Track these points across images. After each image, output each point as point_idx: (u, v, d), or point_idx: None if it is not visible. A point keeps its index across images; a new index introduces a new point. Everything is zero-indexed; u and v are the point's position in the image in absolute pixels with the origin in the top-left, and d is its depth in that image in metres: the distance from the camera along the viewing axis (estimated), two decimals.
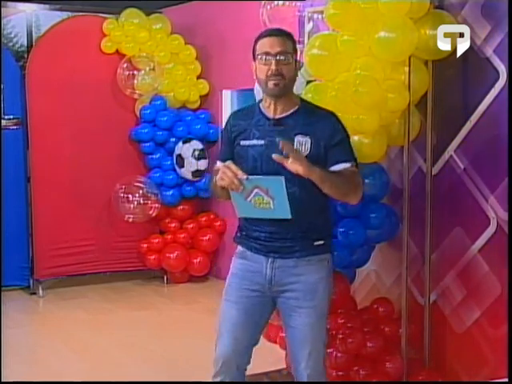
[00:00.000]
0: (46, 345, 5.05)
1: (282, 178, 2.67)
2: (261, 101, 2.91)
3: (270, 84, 2.76)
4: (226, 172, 2.68)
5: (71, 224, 6.42)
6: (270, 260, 2.85)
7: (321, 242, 2.87)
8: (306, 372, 2.90)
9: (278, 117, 2.84)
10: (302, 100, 2.93)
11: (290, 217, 2.72)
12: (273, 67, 2.74)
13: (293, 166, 2.62)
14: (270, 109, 2.85)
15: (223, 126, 3.01)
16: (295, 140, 2.79)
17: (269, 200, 2.70)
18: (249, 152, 2.82)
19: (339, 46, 3.29)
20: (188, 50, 6.68)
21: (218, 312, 2.98)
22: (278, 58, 2.75)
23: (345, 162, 2.80)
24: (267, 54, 2.76)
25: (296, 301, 2.85)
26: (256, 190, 2.71)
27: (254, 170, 2.80)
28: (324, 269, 2.89)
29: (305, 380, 2.91)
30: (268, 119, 2.84)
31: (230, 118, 2.98)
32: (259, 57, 2.78)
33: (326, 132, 2.80)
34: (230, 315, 2.91)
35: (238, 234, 2.97)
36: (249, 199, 2.73)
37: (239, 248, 2.97)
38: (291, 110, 2.84)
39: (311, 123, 2.81)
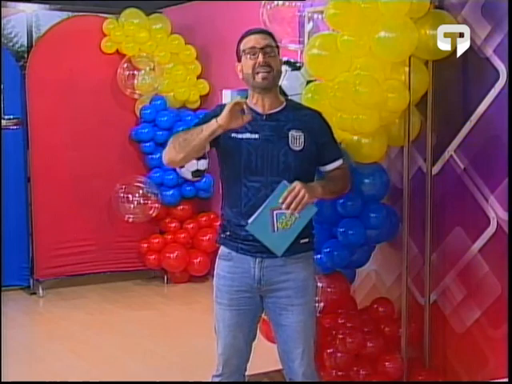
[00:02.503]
0: (46, 345, 5.05)
1: (285, 182, 2.71)
2: (246, 98, 2.92)
3: (258, 77, 2.81)
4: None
5: (71, 224, 6.42)
6: (257, 260, 2.85)
7: (306, 240, 2.90)
8: (301, 370, 2.92)
9: (268, 112, 2.86)
10: (286, 98, 2.96)
11: (316, 209, 2.79)
12: (260, 59, 2.80)
13: (303, 203, 2.68)
14: (258, 105, 2.87)
15: (210, 111, 2.94)
16: (289, 135, 2.83)
17: (289, 212, 2.72)
18: (242, 145, 2.81)
19: (339, 46, 3.28)
20: (188, 50, 6.68)
21: None
22: (264, 51, 2.81)
23: (338, 158, 2.96)
24: (253, 48, 2.82)
25: (288, 299, 2.87)
26: (275, 213, 2.72)
27: (249, 163, 2.81)
28: (311, 266, 2.96)
29: (300, 378, 2.93)
30: (259, 114, 2.86)
31: (217, 109, 2.90)
32: (246, 52, 2.83)
33: (316, 128, 2.89)
34: (225, 317, 2.93)
35: (222, 235, 2.94)
36: (275, 228, 2.73)
37: (223, 249, 2.95)
38: (279, 107, 2.89)
39: (302, 119, 2.87)
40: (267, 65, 2.80)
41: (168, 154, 2.86)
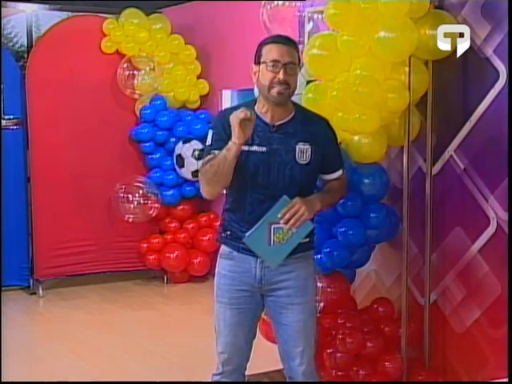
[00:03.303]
0: (46, 345, 5.05)
1: (286, 197, 2.72)
2: (254, 103, 2.86)
3: (274, 91, 2.75)
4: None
5: (71, 224, 6.42)
6: (259, 260, 2.85)
7: (306, 240, 2.89)
8: (301, 369, 2.92)
9: (277, 123, 2.83)
10: (295, 105, 2.91)
11: (312, 226, 2.80)
12: (280, 76, 2.73)
13: (301, 220, 2.70)
14: (267, 114, 2.83)
15: (216, 121, 2.89)
16: (296, 148, 2.81)
17: (287, 227, 2.73)
18: (249, 158, 2.79)
19: (339, 46, 3.28)
20: (188, 50, 6.69)
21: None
22: (286, 68, 2.74)
23: (339, 169, 2.96)
24: (276, 61, 2.74)
25: (288, 298, 2.88)
26: (273, 227, 2.73)
27: (256, 177, 2.80)
28: (311, 265, 2.97)
29: (299, 377, 2.94)
30: (267, 125, 2.82)
31: (225, 115, 2.82)
32: (267, 63, 2.75)
33: (322, 139, 2.87)
34: (225, 316, 2.93)
35: (223, 234, 2.94)
36: (271, 242, 2.74)
37: (224, 248, 2.94)
38: (288, 117, 2.85)
39: (309, 130, 2.84)
40: (286, 83, 2.74)
41: (208, 193, 2.84)
